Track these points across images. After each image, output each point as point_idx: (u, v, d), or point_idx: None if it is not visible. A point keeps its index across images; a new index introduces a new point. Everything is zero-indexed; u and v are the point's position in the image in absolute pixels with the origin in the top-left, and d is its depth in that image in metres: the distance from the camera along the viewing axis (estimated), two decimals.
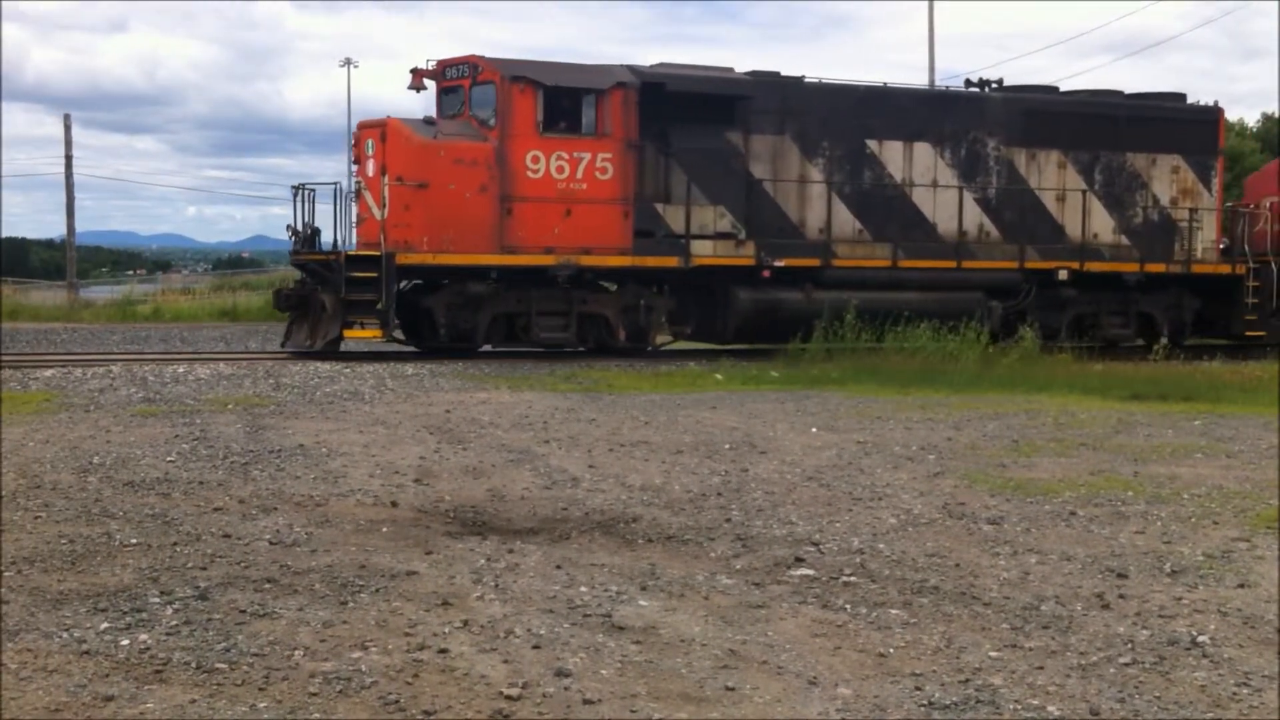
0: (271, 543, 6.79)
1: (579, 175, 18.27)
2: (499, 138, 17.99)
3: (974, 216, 20.89)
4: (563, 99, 18.32)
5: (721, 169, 19.18)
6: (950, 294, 20.09)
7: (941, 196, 20.59)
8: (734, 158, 19.34)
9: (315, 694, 4.59)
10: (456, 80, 18.70)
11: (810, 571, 6.47)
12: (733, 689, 4.75)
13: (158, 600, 5.66)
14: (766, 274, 19.38)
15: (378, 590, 5.91)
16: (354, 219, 18.89)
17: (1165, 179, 22.12)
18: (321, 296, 17.96)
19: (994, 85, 21.65)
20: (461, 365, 17.08)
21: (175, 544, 6.70)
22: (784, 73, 19.95)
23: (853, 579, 6.34)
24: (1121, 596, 6.09)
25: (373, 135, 18.22)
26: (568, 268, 18.24)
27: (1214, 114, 22.78)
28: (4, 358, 16.84)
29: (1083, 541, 7.21)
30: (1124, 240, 21.88)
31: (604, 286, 19.26)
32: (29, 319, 28.90)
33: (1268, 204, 23.18)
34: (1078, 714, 4.61)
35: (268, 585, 5.94)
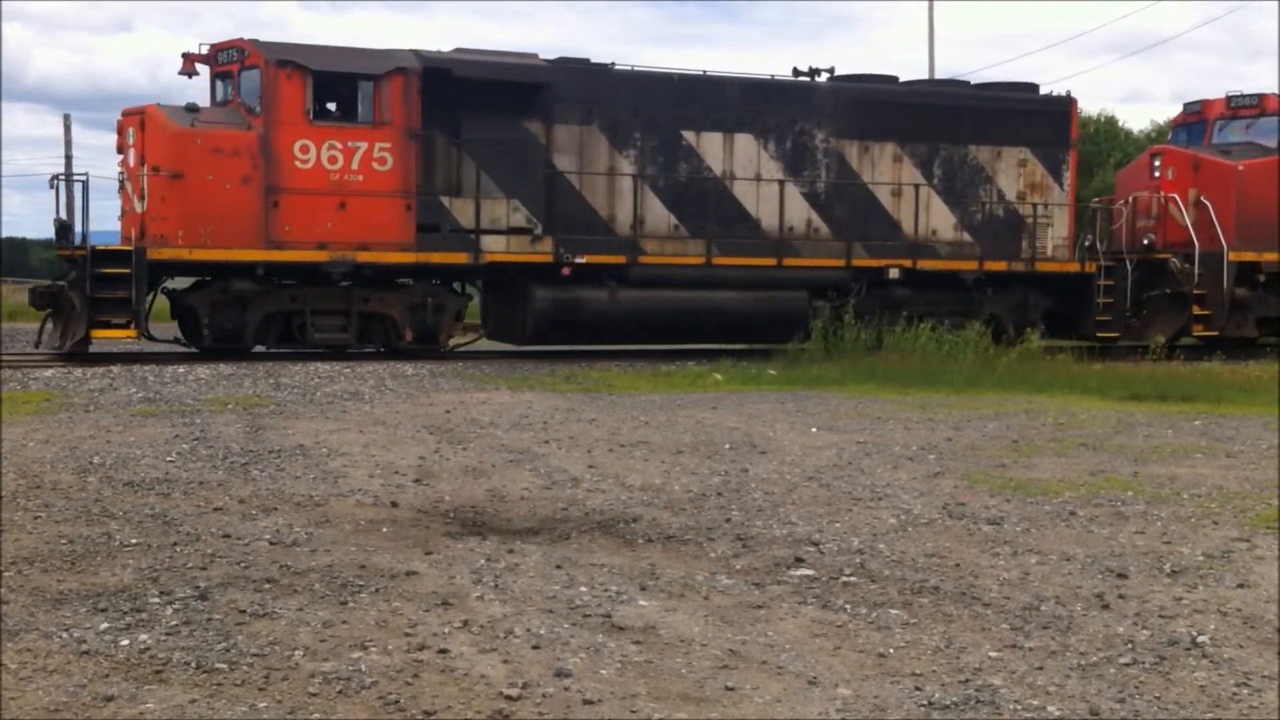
0: (271, 543, 6.79)
1: (354, 166, 17.32)
2: (264, 126, 16.95)
3: (800, 212, 19.81)
4: (335, 85, 17.41)
5: (517, 160, 18.14)
6: (771, 293, 19.26)
7: (765, 191, 19.53)
8: (532, 149, 18.32)
9: (315, 694, 4.59)
10: (227, 65, 17.63)
11: (810, 571, 6.47)
12: (733, 689, 4.75)
13: (158, 600, 5.66)
14: (566, 271, 18.39)
15: (378, 590, 5.91)
16: (119, 212, 18.06)
17: (1011, 172, 20.93)
18: (71, 294, 16.91)
19: (825, 73, 20.64)
20: (461, 365, 17.08)
21: (175, 544, 6.70)
22: (593, 60, 19.12)
23: (853, 579, 6.34)
24: (1121, 596, 6.09)
25: (133, 123, 17.36)
26: (342, 264, 17.25)
27: (1065, 104, 21.50)
28: (4, 358, 16.83)
29: (1083, 541, 7.21)
30: (966, 237, 20.69)
31: (393, 284, 18.17)
32: (29, 319, 28.87)
33: (1132, 199, 22.50)
34: (1078, 714, 4.61)
35: (268, 585, 5.95)
